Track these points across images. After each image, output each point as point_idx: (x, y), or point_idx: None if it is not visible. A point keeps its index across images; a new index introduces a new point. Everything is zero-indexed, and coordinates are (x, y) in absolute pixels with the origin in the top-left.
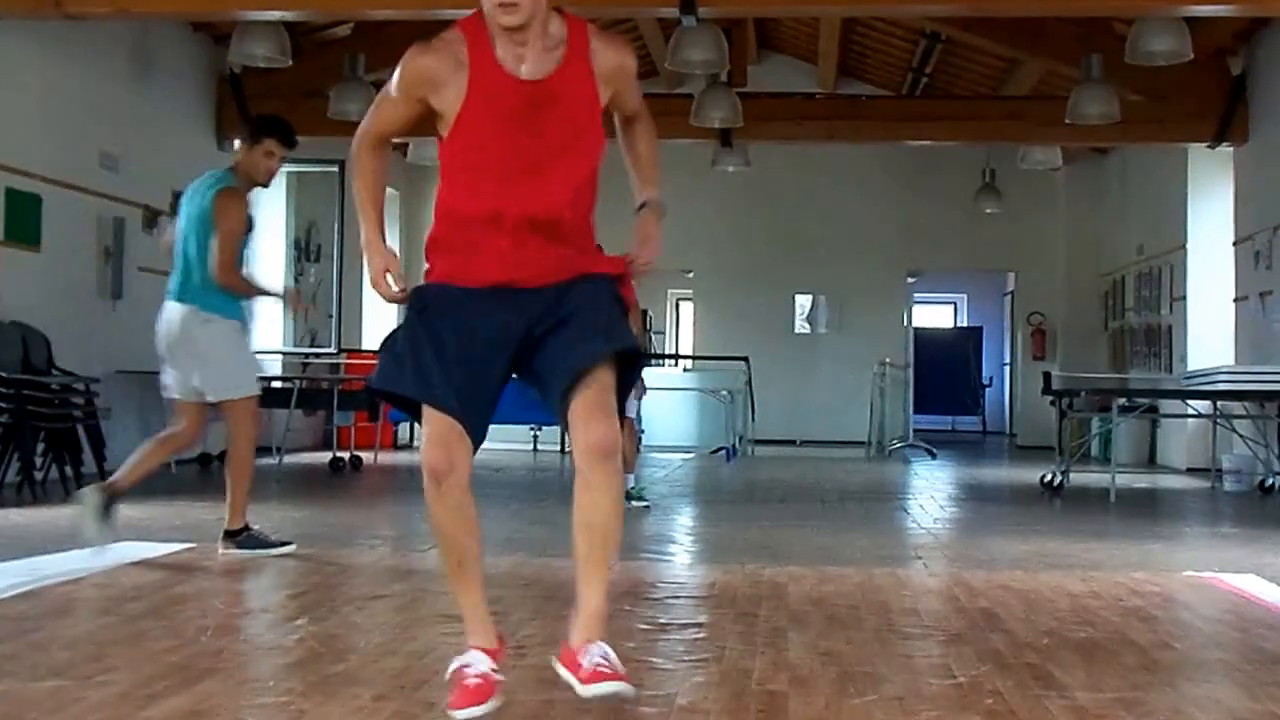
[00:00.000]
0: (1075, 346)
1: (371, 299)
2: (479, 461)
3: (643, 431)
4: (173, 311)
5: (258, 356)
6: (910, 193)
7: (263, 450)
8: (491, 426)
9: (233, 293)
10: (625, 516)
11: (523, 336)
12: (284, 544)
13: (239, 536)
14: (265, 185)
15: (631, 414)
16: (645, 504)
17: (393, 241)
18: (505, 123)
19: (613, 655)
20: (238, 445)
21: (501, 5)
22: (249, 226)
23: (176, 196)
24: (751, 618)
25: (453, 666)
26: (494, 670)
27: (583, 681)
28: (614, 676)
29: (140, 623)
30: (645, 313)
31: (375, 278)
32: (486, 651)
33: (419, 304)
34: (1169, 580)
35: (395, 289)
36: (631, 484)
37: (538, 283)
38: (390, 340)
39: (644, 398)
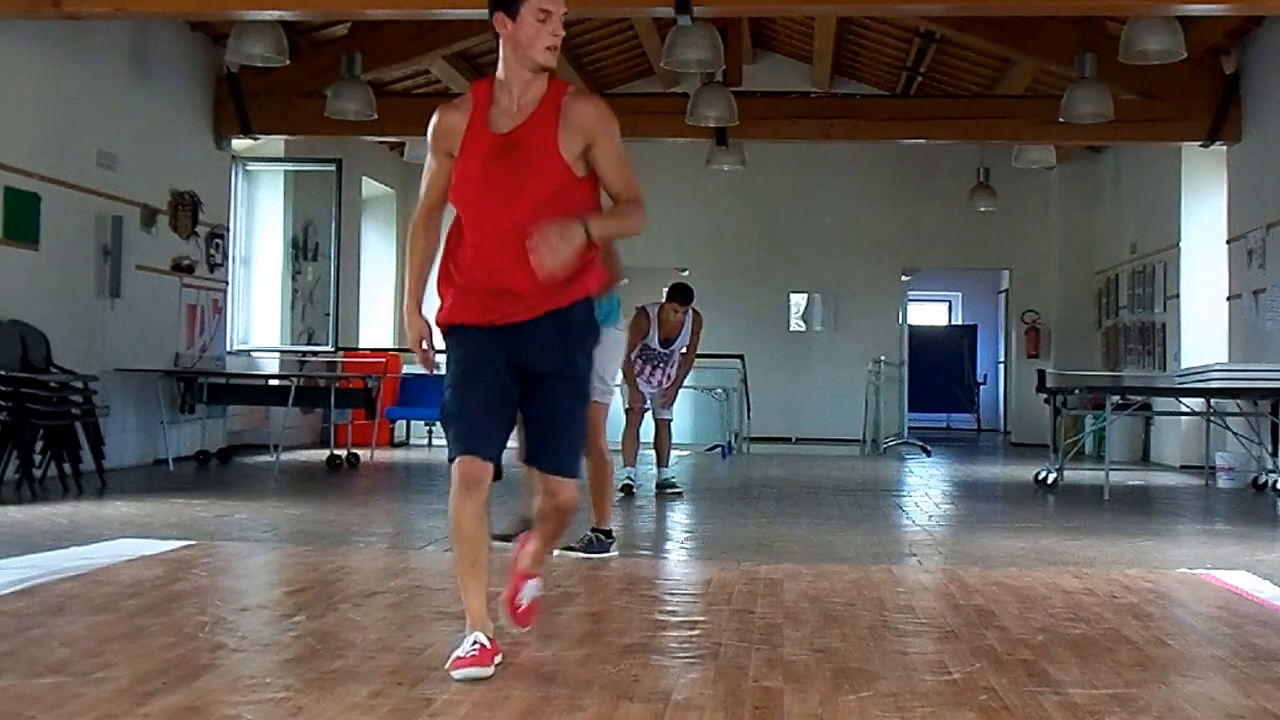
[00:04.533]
0: (1069, 344)
1: (368, 298)
2: None
3: (669, 419)
4: None
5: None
6: (905, 191)
7: (260, 448)
8: None
9: None
10: (634, 508)
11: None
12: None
13: None
14: None
15: (668, 416)
16: (678, 491)
17: (391, 239)
18: (480, 164)
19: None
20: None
21: (550, 49)
22: None
23: (175, 195)
24: (747, 614)
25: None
26: (491, 642)
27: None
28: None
29: (138, 619)
30: (699, 318)
31: (413, 343)
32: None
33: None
34: (1162, 577)
35: (429, 354)
36: (668, 474)
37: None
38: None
39: (674, 402)
